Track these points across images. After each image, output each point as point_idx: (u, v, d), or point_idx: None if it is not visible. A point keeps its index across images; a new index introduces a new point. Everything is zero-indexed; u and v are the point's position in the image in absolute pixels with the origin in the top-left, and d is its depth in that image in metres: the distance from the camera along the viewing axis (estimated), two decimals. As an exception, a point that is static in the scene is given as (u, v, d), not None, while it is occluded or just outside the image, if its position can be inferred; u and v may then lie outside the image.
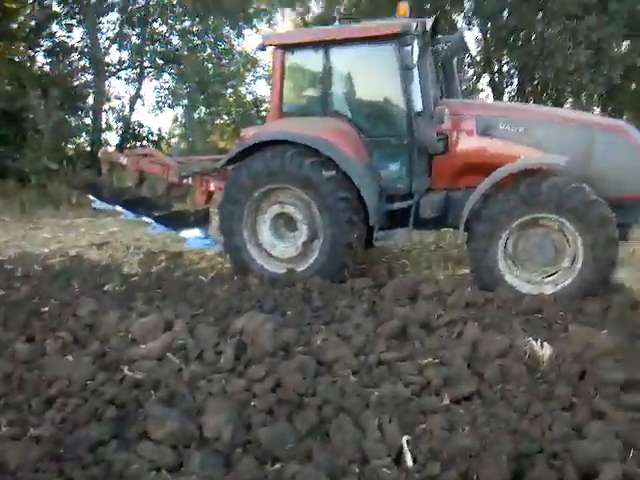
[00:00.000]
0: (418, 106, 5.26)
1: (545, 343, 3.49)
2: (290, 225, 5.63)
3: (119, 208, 7.13)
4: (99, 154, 7.73)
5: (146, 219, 6.80)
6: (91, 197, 7.53)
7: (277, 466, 2.53)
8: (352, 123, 5.55)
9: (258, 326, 3.78)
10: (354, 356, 3.51)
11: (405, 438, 2.60)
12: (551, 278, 4.88)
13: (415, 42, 5.19)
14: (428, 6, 17.45)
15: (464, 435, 2.60)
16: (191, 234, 6.69)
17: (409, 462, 2.48)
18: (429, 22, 5.46)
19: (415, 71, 5.17)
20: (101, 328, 4.17)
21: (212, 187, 6.52)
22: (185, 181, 6.76)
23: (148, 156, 7.25)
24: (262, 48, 6.00)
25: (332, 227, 5.28)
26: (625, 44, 17.77)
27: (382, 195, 5.47)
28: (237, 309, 4.63)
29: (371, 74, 5.73)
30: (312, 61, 5.74)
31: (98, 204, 7.40)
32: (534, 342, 3.49)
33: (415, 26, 5.11)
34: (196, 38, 15.10)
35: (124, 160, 7.29)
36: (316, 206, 5.34)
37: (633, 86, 18.74)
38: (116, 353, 3.75)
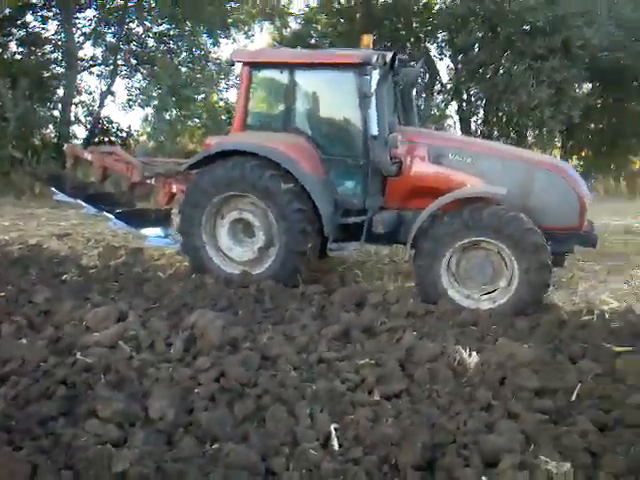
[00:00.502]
0: (374, 131, 5.59)
1: (473, 352, 3.82)
2: (248, 231, 5.86)
3: (81, 202, 7.22)
4: (64, 148, 7.81)
5: (107, 215, 6.91)
6: (54, 189, 7.59)
7: (215, 446, 2.74)
8: (312, 140, 5.83)
9: (208, 322, 3.99)
10: (297, 354, 3.77)
11: (333, 426, 2.86)
12: (489, 296, 5.23)
13: (374, 72, 5.54)
14: (403, 33, 18.15)
15: (387, 426, 2.87)
16: (152, 232, 6.82)
17: (335, 446, 2.73)
18: (389, 55, 5.81)
19: (372, 98, 5.50)
20: (56, 315, 4.32)
21: (174, 189, 6.68)
22: (148, 181, 6.92)
23: (113, 154, 7.37)
24: (231, 63, 6.25)
25: (287, 235, 5.53)
26: (585, 87, 18.77)
27: (337, 209, 5.75)
28: (191, 306, 4.81)
29: (332, 97, 6.08)
30: (277, 80, 6.05)
31: (60, 197, 7.47)
32: (463, 350, 3.81)
33: (375, 58, 5.46)
34: (172, 42, 15.23)
35: (89, 156, 7.37)
36: (273, 215, 5.59)
37: (592, 125, 19.76)
38: (69, 339, 3.89)
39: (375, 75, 5.58)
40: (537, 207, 5.30)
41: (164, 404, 3.00)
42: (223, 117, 15.04)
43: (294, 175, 5.46)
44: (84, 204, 7.14)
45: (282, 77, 5.91)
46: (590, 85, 18.68)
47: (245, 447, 2.67)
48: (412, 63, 14.09)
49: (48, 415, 2.91)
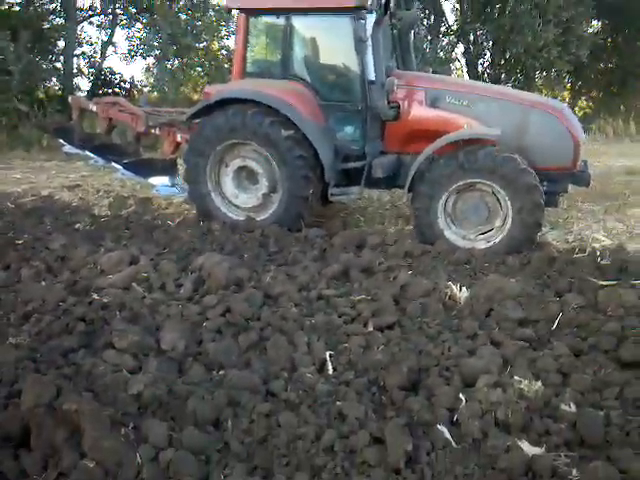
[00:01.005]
0: (371, 75, 5.65)
1: (464, 287, 4.05)
2: (252, 178, 6.03)
3: (89, 153, 7.39)
4: (69, 100, 7.91)
5: (115, 165, 7.09)
6: (61, 141, 7.77)
7: (221, 372, 3.02)
8: (310, 87, 5.91)
9: (215, 264, 4.23)
10: (298, 291, 4.01)
11: (328, 353, 3.13)
12: (484, 236, 5.43)
13: (370, 16, 5.55)
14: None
15: (378, 352, 3.14)
16: (159, 181, 7.01)
17: (330, 370, 3.01)
18: None
19: (368, 43, 5.54)
20: (72, 260, 4.58)
21: (179, 138, 6.84)
22: (153, 131, 7.06)
23: (117, 105, 7.47)
24: (227, 11, 6.25)
25: (290, 181, 5.70)
26: (593, 25, 18.29)
27: (337, 154, 5.89)
28: (199, 250, 5.05)
29: (329, 43, 6.10)
30: (274, 26, 6.07)
31: (68, 148, 7.64)
32: (454, 286, 4.04)
33: (370, 1, 5.47)
34: (170, -12, 14.97)
35: (94, 107, 7.50)
36: (275, 162, 5.74)
37: (601, 65, 19.38)
38: (85, 281, 4.16)
39: (371, 19, 5.61)
40: (531, 147, 5.41)
41: (175, 336, 3.28)
42: (226, 65, 14.94)
43: (294, 122, 5.58)
44: (92, 155, 7.33)
45: (279, 23, 5.94)
46: (599, 23, 18.22)
47: (248, 372, 2.95)
48: (413, 2, 13.85)
49: (69, 347, 3.20)
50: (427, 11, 16.97)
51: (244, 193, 6.12)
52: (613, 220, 6.60)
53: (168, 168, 7.09)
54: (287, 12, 5.83)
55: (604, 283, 4.24)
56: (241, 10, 6.02)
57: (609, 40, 18.71)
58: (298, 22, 5.88)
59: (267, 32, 6.30)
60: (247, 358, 3.15)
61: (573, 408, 2.63)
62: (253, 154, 5.90)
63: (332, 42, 6.05)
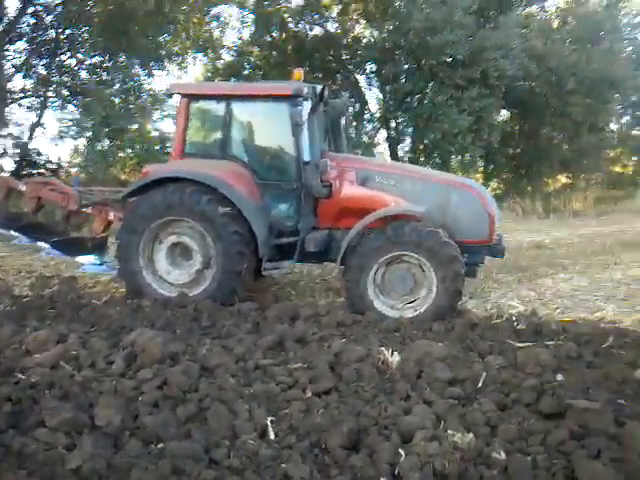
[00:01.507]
0: (306, 157, 6.04)
1: (395, 352, 4.23)
2: (185, 254, 6.11)
3: (13, 233, 7.23)
4: (-3, 179, 7.80)
5: (42, 244, 6.99)
6: (-16, 221, 7.55)
7: (160, 445, 2.98)
8: (248, 167, 6.23)
9: (148, 339, 4.20)
10: (235, 362, 4.04)
11: (269, 419, 3.17)
12: (411, 305, 5.73)
13: (305, 103, 6.02)
14: (334, 64, 18.99)
15: (318, 416, 3.21)
16: (87, 260, 6.93)
17: (271, 435, 3.04)
18: (319, 87, 6.34)
19: (304, 127, 5.97)
20: (-5, 341, 4.38)
21: (111, 216, 6.87)
22: (84, 209, 7.06)
23: (48, 184, 7.45)
24: (169, 95, 6.57)
25: (224, 257, 5.83)
26: (503, 114, 20.19)
27: (272, 231, 6.12)
28: (129, 327, 4.96)
29: (266, 126, 6.51)
30: (214, 110, 6.44)
31: (-9, 228, 7.44)
32: (386, 351, 4.22)
33: (306, 90, 5.96)
34: (105, 73, 15.27)
35: (23, 187, 7.44)
36: (211, 238, 5.88)
37: (510, 150, 21.19)
38: (10, 362, 3.98)
39: (307, 105, 6.06)
40: (452, 223, 5.88)
41: (110, 412, 3.21)
42: (157, 147, 15.19)
43: (231, 199, 5.79)
44: (17, 234, 7.17)
45: (218, 107, 6.28)
46: (507, 112, 20.15)
47: (189, 442, 2.93)
48: (343, 93, 14.87)
49: (-4, 429, 3.05)
50: (352, 99, 18.17)
51: (177, 269, 6.16)
52: (525, 289, 7.12)
53: (98, 246, 7.05)
54: (227, 98, 6.18)
55: (521, 345, 4.58)
56: (183, 95, 6.32)
57: (517, 127, 20.62)
58: (237, 107, 6.24)
59: (207, 115, 6.62)
60: (187, 429, 3.12)
61: (503, 455, 2.82)
62: (188, 231, 6.01)
63: (269, 126, 6.44)
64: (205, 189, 5.82)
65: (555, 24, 19.00)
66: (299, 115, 5.88)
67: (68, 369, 3.88)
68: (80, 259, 6.98)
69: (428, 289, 5.64)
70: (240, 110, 6.31)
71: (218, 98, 6.30)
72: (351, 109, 18.89)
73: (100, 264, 6.98)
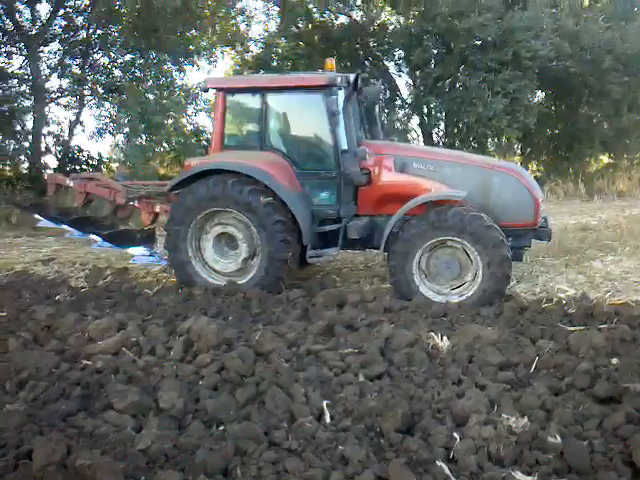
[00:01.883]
0: (344, 145, 6.08)
1: (445, 337, 4.27)
2: (231, 244, 6.24)
3: (65, 227, 7.51)
4: (46, 176, 8.10)
5: (93, 237, 7.23)
6: (37, 216, 7.87)
7: (221, 427, 3.10)
8: (286, 157, 6.31)
9: (204, 326, 4.34)
10: (287, 348, 4.15)
11: (325, 402, 3.25)
12: (457, 290, 5.72)
13: (340, 92, 6.06)
14: (361, 52, 18.87)
15: (371, 400, 3.28)
16: (137, 251, 7.14)
17: (327, 419, 3.13)
18: (352, 76, 6.36)
19: (340, 116, 6.00)
20: (59, 329, 4.60)
21: (158, 209, 7.07)
22: (131, 203, 7.28)
23: (94, 180, 7.72)
24: (205, 90, 6.71)
25: (269, 245, 5.93)
26: (538, 95, 19.72)
27: (314, 218, 6.19)
28: (183, 315, 5.14)
29: (303, 117, 6.58)
30: (250, 103, 6.50)
31: (44, 223, 7.75)
32: (436, 336, 4.26)
33: (339, 79, 5.99)
34: (138, 71, 15.55)
35: (71, 183, 7.72)
36: (255, 227, 5.99)
37: (548, 131, 20.72)
38: (74, 349, 4.19)
39: (341, 94, 6.09)
40: (495, 206, 5.84)
41: (173, 395, 3.35)
42: (192, 141, 15.42)
43: (272, 189, 5.89)
44: (69, 228, 7.44)
45: (255, 100, 6.36)
46: (542, 93, 19.67)
47: (249, 424, 3.04)
48: (372, 81, 14.80)
49: (68, 411, 3.23)
50: (383, 86, 18.01)
51: (224, 259, 6.30)
52: (574, 272, 7.01)
53: (147, 238, 7.26)
54: (263, 90, 6.27)
55: (573, 329, 4.54)
56: (219, 89, 6.43)
57: (553, 108, 20.11)
58: (273, 99, 6.31)
59: (243, 108, 6.71)
60: (246, 412, 3.23)
61: (559, 440, 2.82)
62: (233, 221, 6.14)
63: (306, 116, 6.51)
64: (247, 180, 5.93)
65: (586, 2, 18.41)
66: (335, 104, 5.92)
67: (130, 355, 4.06)
68: (130, 251, 7.19)
69: (474, 274, 5.63)
70: (276, 102, 6.38)
71: (254, 91, 6.38)
72: (381, 96, 18.77)
73: (150, 255, 7.18)
